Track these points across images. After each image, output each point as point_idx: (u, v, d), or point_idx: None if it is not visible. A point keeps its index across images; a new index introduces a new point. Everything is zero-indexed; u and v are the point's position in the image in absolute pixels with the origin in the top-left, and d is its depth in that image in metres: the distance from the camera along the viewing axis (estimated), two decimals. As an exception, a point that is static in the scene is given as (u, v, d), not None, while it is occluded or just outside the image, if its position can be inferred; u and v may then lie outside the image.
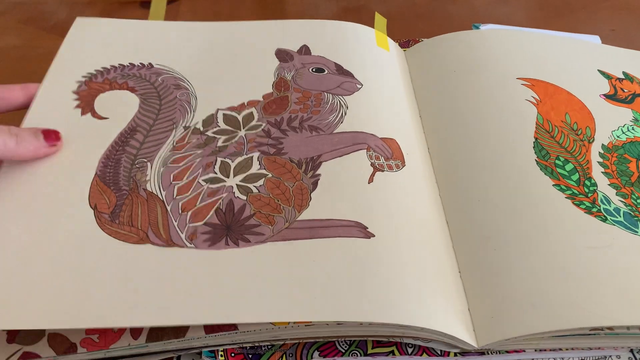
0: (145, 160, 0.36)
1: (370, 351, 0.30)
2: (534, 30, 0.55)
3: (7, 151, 0.33)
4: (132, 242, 0.31)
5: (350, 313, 0.27)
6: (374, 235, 0.31)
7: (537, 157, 0.39)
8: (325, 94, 0.41)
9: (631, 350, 0.32)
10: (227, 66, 0.44)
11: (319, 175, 0.35)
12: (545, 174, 0.37)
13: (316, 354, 0.30)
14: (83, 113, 0.39)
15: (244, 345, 0.29)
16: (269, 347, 0.30)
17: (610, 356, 0.32)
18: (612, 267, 0.31)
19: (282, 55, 0.45)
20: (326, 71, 0.44)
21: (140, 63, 0.44)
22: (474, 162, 0.39)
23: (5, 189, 0.33)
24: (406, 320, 0.27)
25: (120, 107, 0.40)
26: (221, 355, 0.30)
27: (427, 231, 0.33)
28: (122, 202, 0.33)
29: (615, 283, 0.31)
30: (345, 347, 0.30)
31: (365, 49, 0.47)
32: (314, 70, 0.44)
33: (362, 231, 0.31)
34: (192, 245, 0.31)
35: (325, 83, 0.42)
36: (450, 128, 0.42)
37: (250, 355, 0.30)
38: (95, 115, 0.39)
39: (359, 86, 0.42)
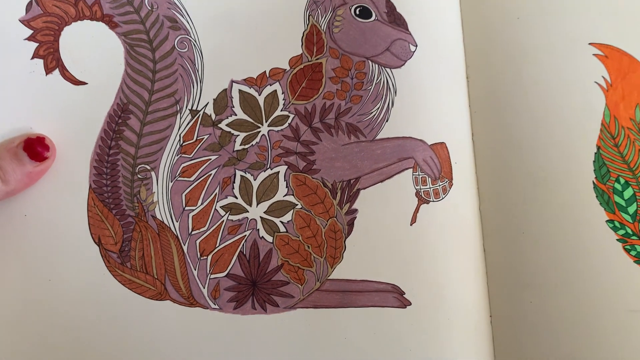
0: (148, 167, 0.29)
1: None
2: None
3: None
4: (149, 297, 0.28)
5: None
6: (410, 304, 0.29)
7: (596, 177, 0.34)
8: (370, 63, 0.32)
9: None
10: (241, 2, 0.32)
11: (356, 211, 0.30)
12: (601, 203, 0.34)
13: None
14: (48, 70, 0.29)
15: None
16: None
17: None
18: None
19: (316, -26, 0.33)
20: (374, 15, 0.33)
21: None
22: (526, 172, 0.34)
23: None
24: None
25: (99, 60, 0.29)
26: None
27: (465, 280, 0.31)
28: (129, 235, 0.29)
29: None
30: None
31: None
32: (357, 12, 0.33)
33: (398, 298, 0.29)
34: (216, 306, 0.29)
35: (371, 41, 0.32)
36: (504, 113, 0.35)
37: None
38: (66, 75, 0.29)
39: (413, 48, 0.33)
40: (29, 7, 0.28)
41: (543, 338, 0.31)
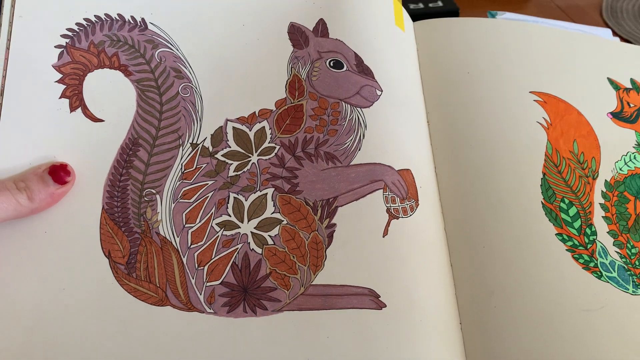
0: (154, 191, 0.34)
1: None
2: (547, 23, 0.50)
3: (22, 210, 0.30)
4: (151, 303, 0.32)
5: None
6: (385, 306, 0.33)
7: (544, 198, 0.39)
8: (343, 104, 0.38)
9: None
10: (233, 45, 0.39)
11: (335, 225, 0.35)
12: (549, 220, 0.39)
13: None
14: (72, 108, 0.34)
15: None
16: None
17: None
18: (603, 331, 0.35)
19: (296, 35, 0.40)
20: (345, 67, 0.39)
21: (132, 17, 0.37)
22: (483, 198, 0.39)
23: (7, 240, 0.31)
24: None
25: (115, 101, 0.35)
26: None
27: (435, 287, 0.35)
28: (135, 249, 0.33)
29: (604, 348, 0.34)
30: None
31: (384, 31, 0.42)
32: (331, 64, 0.39)
33: (374, 301, 0.33)
34: (212, 310, 0.32)
35: (343, 87, 0.39)
36: (461, 149, 0.41)
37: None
38: (87, 113, 0.35)
39: (379, 93, 0.39)
40: (60, 55, 0.34)
41: (508, 338, 0.35)
